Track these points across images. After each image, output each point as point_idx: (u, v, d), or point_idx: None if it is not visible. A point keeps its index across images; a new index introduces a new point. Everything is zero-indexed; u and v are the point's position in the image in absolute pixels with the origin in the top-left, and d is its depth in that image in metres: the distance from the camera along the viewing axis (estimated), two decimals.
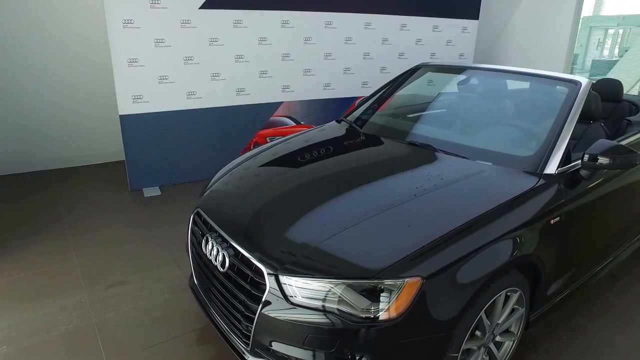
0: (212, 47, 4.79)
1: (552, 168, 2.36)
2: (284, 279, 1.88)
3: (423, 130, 3.14)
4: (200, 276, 2.46)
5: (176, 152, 4.93)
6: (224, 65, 4.92)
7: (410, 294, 1.77)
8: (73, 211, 4.30)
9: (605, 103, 3.13)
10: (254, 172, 2.78)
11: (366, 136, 3.11)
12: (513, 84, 3.21)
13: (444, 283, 1.86)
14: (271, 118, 5.42)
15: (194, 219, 2.56)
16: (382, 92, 3.60)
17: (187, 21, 4.56)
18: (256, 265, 1.98)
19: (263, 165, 2.85)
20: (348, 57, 5.70)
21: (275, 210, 2.33)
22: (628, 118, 3.34)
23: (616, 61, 7.89)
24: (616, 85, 3.48)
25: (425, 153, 2.70)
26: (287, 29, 5.15)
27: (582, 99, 2.59)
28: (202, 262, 2.39)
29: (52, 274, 3.26)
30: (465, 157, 2.56)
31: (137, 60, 4.44)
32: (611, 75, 8.51)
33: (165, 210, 4.41)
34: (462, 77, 3.47)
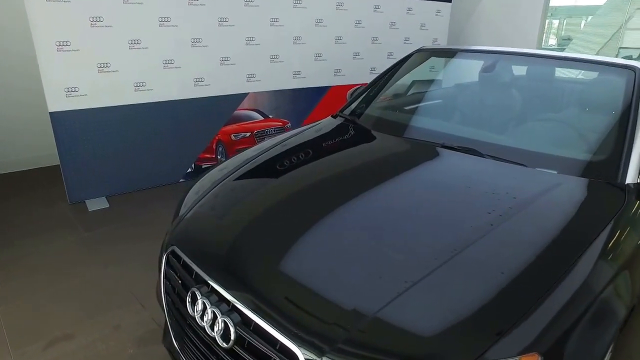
0: (163, 29, 4.05)
1: (632, 176, 1.88)
2: None
3: (457, 130, 2.53)
4: (181, 338, 1.76)
5: (124, 155, 4.16)
6: (178, 51, 4.19)
7: None
8: None
9: None
10: (248, 189, 2.10)
11: (381, 138, 2.46)
12: (548, 72, 2.70)
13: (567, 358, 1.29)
14: (236, 112, 4.76)
15: (167, 259, 1.85)
16: (384, 80, 2.99)
17: None
18: (282, 344, 1.33)
19: (258, 178, 2.17)
20: (319, 41, 5.12)
21: (297, 250, 1.63)
22: None
23: (562, 49, 7.88)
24: None
25: (472, 160, 2.10)
26: (251, 8, 4.50)
27: None
28: (186, 324, 1.70)
29: None
30: (523, 165, 2.01)
31: (68, 43, 3.62)
32: None
33: (116, 227, 3.62)
34: (480, 63, 2.90)
